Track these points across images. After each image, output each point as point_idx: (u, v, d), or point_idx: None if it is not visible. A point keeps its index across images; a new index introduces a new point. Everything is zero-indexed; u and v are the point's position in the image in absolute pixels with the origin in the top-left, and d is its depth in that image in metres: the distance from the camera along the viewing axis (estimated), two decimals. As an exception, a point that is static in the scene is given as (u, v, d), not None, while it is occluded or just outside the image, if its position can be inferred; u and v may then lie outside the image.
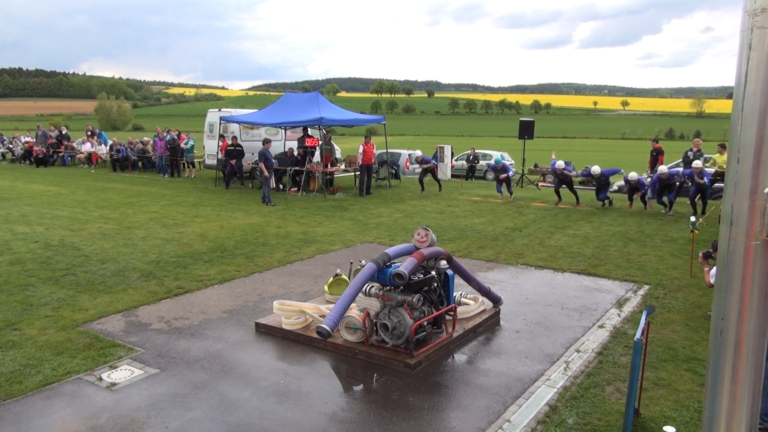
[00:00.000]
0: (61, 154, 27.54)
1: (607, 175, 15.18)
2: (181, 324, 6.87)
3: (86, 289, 8.05)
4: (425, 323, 5.93)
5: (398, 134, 67.58)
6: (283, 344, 6.30)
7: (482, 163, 26.60)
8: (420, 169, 19.29)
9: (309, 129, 19.25)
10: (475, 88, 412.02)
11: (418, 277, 5.96)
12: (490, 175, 26.13)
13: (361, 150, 17.84)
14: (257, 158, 16.97)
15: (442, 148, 23.78)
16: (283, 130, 20.30)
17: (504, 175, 16.53)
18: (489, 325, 6.88)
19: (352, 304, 5.96)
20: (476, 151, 26.61)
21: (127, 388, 5.28)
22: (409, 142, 40.04)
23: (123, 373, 5.54)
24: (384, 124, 20.38)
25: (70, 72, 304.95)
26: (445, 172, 23.06)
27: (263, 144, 16.96)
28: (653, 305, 7.48)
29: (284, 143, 19.92)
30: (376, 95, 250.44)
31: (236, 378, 5.50)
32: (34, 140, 28.70)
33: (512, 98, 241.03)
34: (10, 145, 30.69)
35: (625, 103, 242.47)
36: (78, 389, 5.25)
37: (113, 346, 6.14)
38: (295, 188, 17.97)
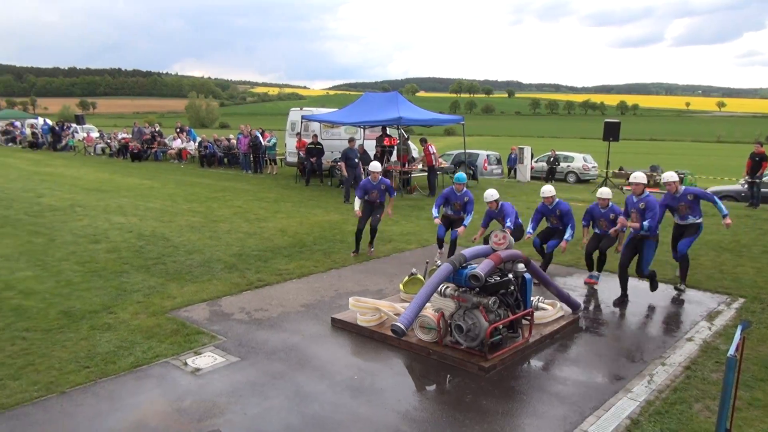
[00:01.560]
0: (154, 150, 29.12)
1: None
2: (260, 315, 7.10)
3: (174, 278, 8.47)
4: (501, 327, 5.84)
5: (477, 135, 66.90)
6: (358, 340, 6.38)
7: (563, 165, 25.87)
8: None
9: (387, 128, 19.39)
10: (557, 88, 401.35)
11: (495, 280, 5.87)
12: (572, 178, 25.39)
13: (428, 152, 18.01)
14: (339, 157, 17.15)
15: (522, 149, 23.30)
16: (362, 130, 20.54)
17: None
18: (567, 332, 6.69)
19: (427, 304, 5.95)
20: (557, 152, 25.91)
21: (209, 374, 5.52)
22: (487, 142, 39.54)
23: (206, 360, 5.80)
24: (462, 125, 20.22)
25: (164, 72, 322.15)
26: (524, 173, 22.59)
27: (348, 143, 17.14)
28: (749, 320, 7.00)
29: (363, 142, 20.14)
30: (455, 95, 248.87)
31: (312, 371, 5.62)
32: (130, 136, 30.51)
33: (597, 99, 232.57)
34: (108, 140, 32.76)
35: (721, 104, 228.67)
36: (165, 372, 5.54)
37: (198, 333, 6.44)
38: (352, 184, 18.16)
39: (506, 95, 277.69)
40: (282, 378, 5.45)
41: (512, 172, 24.60)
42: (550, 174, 24.48)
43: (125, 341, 6.18)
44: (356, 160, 16.77)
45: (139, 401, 4.97)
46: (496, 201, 8.84)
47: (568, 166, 25.92)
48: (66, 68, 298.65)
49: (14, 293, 7.63)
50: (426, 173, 18.18)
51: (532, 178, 23.29)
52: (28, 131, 38.80)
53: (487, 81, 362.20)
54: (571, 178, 25.45)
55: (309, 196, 17.01)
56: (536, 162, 26.35)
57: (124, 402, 4.96)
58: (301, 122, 20.67)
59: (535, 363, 5.90)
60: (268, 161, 23.59)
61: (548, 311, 6.80)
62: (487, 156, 24.63)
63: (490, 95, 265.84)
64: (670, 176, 8.16)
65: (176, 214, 13.53)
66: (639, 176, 7.75)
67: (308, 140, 20.01)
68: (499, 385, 5.37)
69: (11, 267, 8.92)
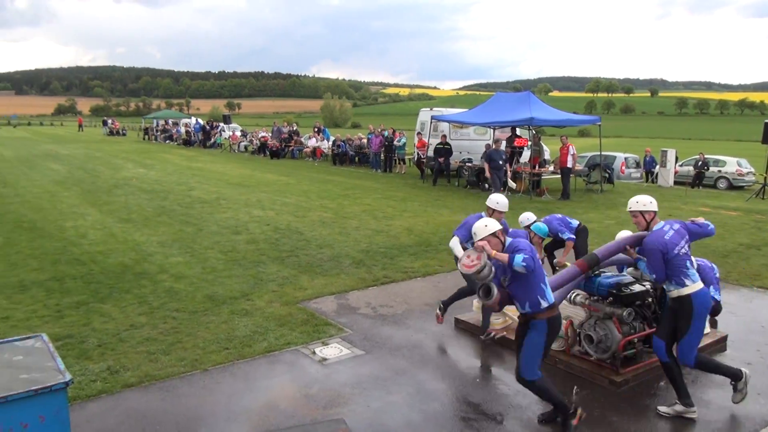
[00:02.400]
0: (291, 148, 30.75)
1: None
2: (385, 311, 7.25)
3: (306, 270, 8.89)
4: (636, 340, 5.48)
5: (614, 136, 63.31)
6: (481, 343, 6.30)
7: (713, 169, 23.71)
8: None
9: (518, 129, 18.95)
10: (708, 86, 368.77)
11: (631, 290, 5.52)
12: (723, 184, 23.22)
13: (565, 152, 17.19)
14: (482, 159, 16.76)
15: (665, 152, 21.68)
16: (491, 130, 20.25)
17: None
18: (711, 352, 6.13)
19: None
20: (706, 156, 23.80)
21: (335, 364, 5.73)
22: (625, 144, 37.24)
23: (333, 350, 6.02)
24: (599, 125, 19.25)
25: (302, 74, 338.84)
26: (666, 178, 21.03)
27: (494, 144, 16.83)
28: None
29: (493, 143, 19.86)
30: (591, 95, 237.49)
31: (434, 369, 5.64)
32: (270, 135, 32.46)
33: (756, 97, 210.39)
34: (250, 139, 35.09)
35: None
36: (295, 359, 5.83)
37: (326, 325, 6.70)
38: (502, 188, 17.82)
39: (648, 94, 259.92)
40: (405, 374, 5.53)
41: (650, 176, 23.00)
42: (698, 179, 22.55)
43: (260, 327, 6.58)
44: (500, 162, 16.22)
45: (270, 384, 5.28)
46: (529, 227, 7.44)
47: (719, 171, 23.69)
48: (216, 72, 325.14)
49: (167, 276, 8.42)
50: (559, 176, 17.42)
51: (676, 183, 21.59)
52: (182, 130, 42.64)
53: (628, 79, 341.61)
54: (722, 184, 23.25)
55: (436, 196, 17.08)
56: (681, 166, 24.38)
57: (258, 383, 5.29)
58: (431, 122, 20.80)
59: (674, 382, 5.47)
60: (398, 161, 24.00)
61: None
62: (625, 159, 23.22)
63: (631, 94, 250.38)
64: None
65: (309, 210, 14.19)
66: None
67: (436, 140, 20.09)
68: (631, 401, 5.05)
69: (166, 252, 9.85)
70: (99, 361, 5.62)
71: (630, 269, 6.05)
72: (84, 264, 9.07)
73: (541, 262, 4.85)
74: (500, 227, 4.55)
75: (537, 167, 18.11)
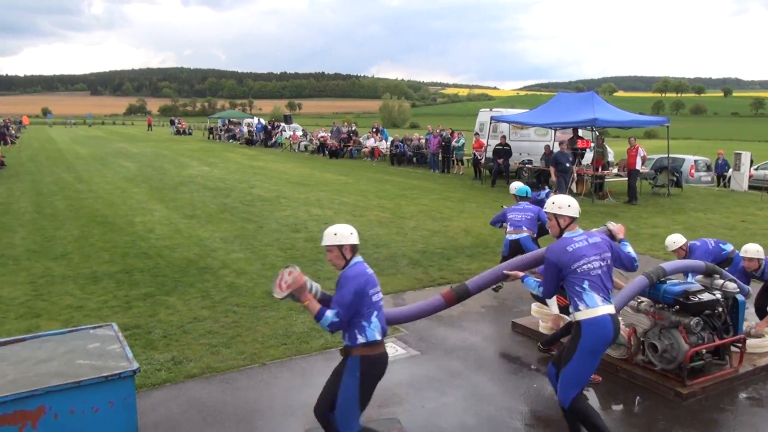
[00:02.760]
0: (349, 148, 31.06)
1: None
2: (441, 313, 7.17)
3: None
4: (703, 351, 5.25)
5: (683, 138, 60.73)
6: (539, 347, 6.17)
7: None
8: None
9: (580, 130, 18.47)
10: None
11: (699, 299, 5.29)
12: None
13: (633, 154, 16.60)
14: (542, 160, 16.31)
15: (739, 154, 20.63)
16: (552, 131, 19.83)
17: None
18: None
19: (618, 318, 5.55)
20: (784, 159, 22.51)
21: (391, 363, 5.68)
22: (695, 147, 35.62)
23: (389, 350, 6.00)
24: (667, 126, 18.53)
25: (362, 75, 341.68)
26: (740, 182, 20.01)
27: (559, 146, 16.45)
28: None
29: (553, 144, 19.45)
30: (659, 95, 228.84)
31: (489, 373, 5.58)
32: (329, 135, 32.88)
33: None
34: (310, 139, 35.66)
35: None
36: (351, 357, 5.87)
37: (382, 324, 6.72)
38: (558, 190, 17.43)
39: (721, 94, 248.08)
40: (459, 376, 5.49)
41: (722, 179, 21.94)
42: (774, 184, 21.34)
43: (317, 324, 6.66)
44: (567, 165, 15.72)
45: (326, 381, 5.34)
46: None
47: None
48: (278, 73, 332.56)
49: (229, 271, 8.67)
50: (625, 178, 16.81)
51: (751, 187, 20.51)
52: (245, 129, 43.77)
53: (699, 78, 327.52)
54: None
55: (494, 197, 16.85)
56: (756, 170, 23.14)
57: (314, 379, 5.35)
58: (490, 123, 20.56)
59: (745, 397, 5.21)
60: (456, 161, 23.86)
61: (766, 340, 5.96)
62: (695, 161, 22.23)
63: (702, 94, 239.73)
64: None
65: (366, 209, 14.29)
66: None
67: (495, 141, 19.85)
68: (698, 415, 4.84)
69: (228, 249, 10.14)
70: (164, 351, 5.84)
71: (699, 276, 5.81)
72: (151, 258, 9.45)
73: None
74: (348, 242, 3.91)
75: (600, 169, 17.60)
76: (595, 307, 3.91)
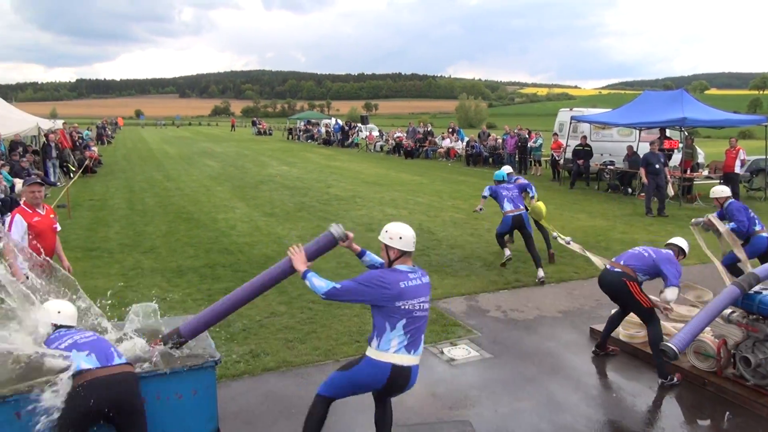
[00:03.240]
0: (425, 148, 31.03)
1: None
2: (516, 316, 7.08)
3: (436, 270, 8.93)
4: (803, 367, 4.87)
5: (783, 138, 56.61)
6: (619, 356, 5.95)
7: None
8: None
9: (668, 130, 17.59)
10: None
11: (799, 310, 4.92)
12: None
13: (731, 156, 15.55)
14: (624, 161, 15.42)
15: None
16: (636, 131, 19.00)
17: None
18: None
19: (707, 329, 5.26)
20: None
21: (463, 365, 5.70)
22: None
23: (461, 352, 6.00)
24: (765, 126, 17.32)
25: (438, 75, 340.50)
26: None
27: (649, 146, 15.45)
28: None
29: (637, 145, 18.64)
30: (756, 92, 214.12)
31: (566, 379, 5.42)
32: (405, 135, 32.98)
33: None
34: (386, 139, 35.90)
35: None
36: (423, 357, 5.81)
37: (454, 325, 6.69)
38: (644, 193, 16.66)
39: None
40: (534, 382, 5.37)
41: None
42: None
43: (390, 323, 6.71)
44: (657, 166, 14.59)
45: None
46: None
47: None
48: (356, 74, 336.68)
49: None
50: (715, 181, 15.77)
51: None
52: (323, 130, 44.66)
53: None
54: None
55: (573, 199, 16.37)
56: None
57: (387, 378, 5.40)
58: (570, 123, 19.97)
59: None
60: (533, 162, 23.34)
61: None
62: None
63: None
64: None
65: (441, 210, 14.23)
66: None
67: (575, 141, 19.26)
68: (795, 435, 4.51)
69: (304, 246, 10.37)
70: (243, 344, 6.06)
71: None
72: (232, 253, 9.82)
73: None
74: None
75: (689, 171, 16.70)
76: (385, 352, 3.69)
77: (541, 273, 8.41)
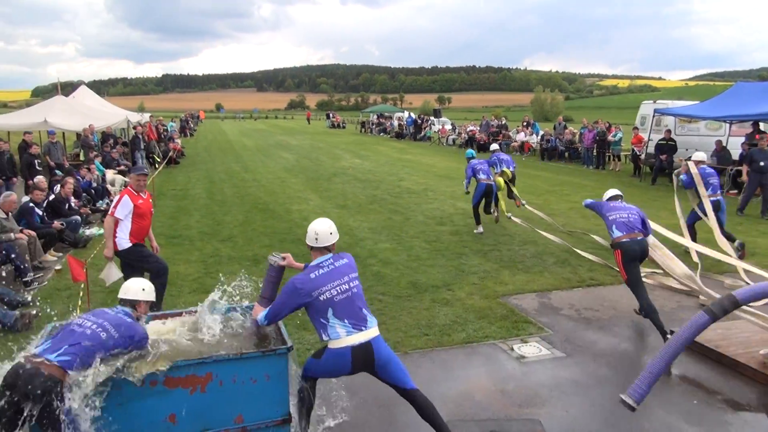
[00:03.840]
0: (498, 142, 30.51)
1: None
2: (590, 315, 6.87)
3: (507, 265, 8.80)
4: None
5: None
6: (700, 360, 5.65)
7: None
8: None
9: (761, 124, 16.47)
10: None
11: None
12: None
13: None
14: (744, 159, 13.87)
15: None
16: (727, 125, 17.91)
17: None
18: None
19: None
20: None
21: (534, 363, 5.59)
22: None
23: (532, 349, 5.89)
24: None
25: (514, 67, 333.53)
26: None
27: (759, 142, 13.81)
28: None
29: (727, 140, 17.58)
30: None
31: (642, 383, 5.21)
32: (478, 129, 32.57)
33: None
34: (459, 132, 35.59)
35: None
36: (492, 353, 5.82)
37: (525, 322, 6.57)
38: (735, 190, 15.72)
39: None
40: (608, 383, 5.20)
41: None
42: None
43: (459, 317, 6.69)
44: (762, 164, 13.15)
45: (467, 374, 5.34)
46: None
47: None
48: (429, 67, 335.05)
49: (376, 261, 8.96)
50: None
51: None
52: (395, 123, 44.81)
53: None
54: None
55: (654, 196, 15.67)
56: None
57: (455, 372, 5.38)
58: (653, 116, 19.09)
59: None
60: (612, 157, 22.49)
61: None
62: None
63: None
64: None
65: (513, 205, 13.96)
66: None
67: (658, 135, 18.40)
68: None
69: (375, 239, 10.48)
70: (314, 332, 6.15)
71: None
72: (305, 244, 10.03)
73: None
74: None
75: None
76: (338, 339, 3.85)
77: (495, 213, 11.52)
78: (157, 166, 19.96)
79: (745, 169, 13.73)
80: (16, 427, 3.21)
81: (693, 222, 9.75)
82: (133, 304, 4.00)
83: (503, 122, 33.63)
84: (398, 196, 15.14)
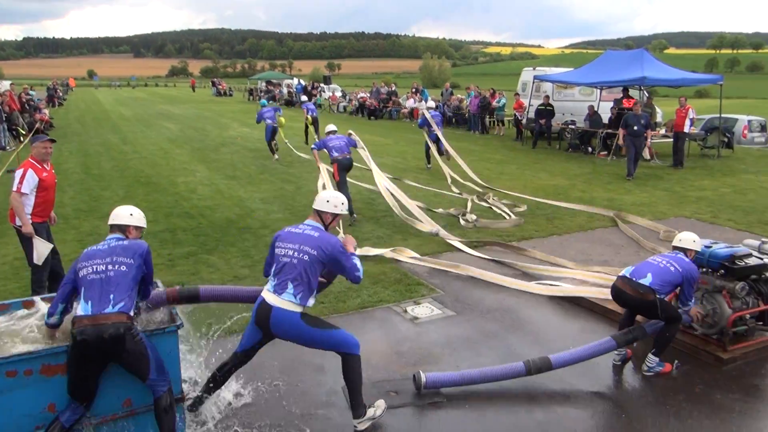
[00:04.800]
0: (389, 109, 30.82)
1: None
2: (478, 274, 7.19)
3: (400, 230, 8.99)
4: (747, 316, 5.12)
5: (738, 97, 58.03)
6: (576, 310, 6.12)
7: None
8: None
9: (629, 90, 17.83)
10: None
11: (745, 263, 5.14)
12: None
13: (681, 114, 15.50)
14: (620, 124, 14.50)
15: (797, 114, 19.64)
16: (597, 91, 19.20)
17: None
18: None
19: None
20: None
21: (427, 323, 5.80)
22: (750, 106, 34.14)
23: (424, 310, 6.10)
24: (720, 85, 17.71)
25: (402, 34, 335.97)
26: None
27: (633, 107, 14.81)
28: None
29: (598, 104, 18.86)
30: (713, 51, 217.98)
31: (525, 335, 5.58)
32: (368, 96, 32.64)
33: None
34: (349, 100, 35.49)
35: None
36: (387, 316, 5.96)
37: (418, 285, 6.78)
38: (605, 152, 16.98)
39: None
40: (495, 337, 5.51)
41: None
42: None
43: (353, 285, 6.75)
44: (636, 128, 13.70)
45: (363, 339, 5.39)
46: None
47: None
48: (318, 33, 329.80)
49: (269, 232, 8.82)
50: (671, 140, 15.80)
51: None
52: (285, 90, 43.82)
53: (758, 33, 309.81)
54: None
55: (535, 158, 16.57)
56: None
57: (351, 338, 5.46)
58: (533, 83, 20.04)
59: (789, 364, 5.09)
60: (496, 122, 23.43)
61: None
62: (748, 122, 21.25)
63: (760, 50, 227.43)
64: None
65: (405, 171, 14.24)
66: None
67: (538, 101, 19.37)
68: (738, 380, 4.76)
69: (267, 209, 10.30)
70: (205, 308, 6.00)
71: (747, 240, 5.64)
72: (193, 217, 9.68)
73: None
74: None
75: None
76: (265, 286, 4.06)
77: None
78: (22, 139, 18.24)
79: (621, 132, 14.38)
80: None
81: (428, 148, 14.34)
82: (122, 229, 3.91)
83: (393, 89, 33.91)
84: (290, 165, 14.93)
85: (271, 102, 34.19)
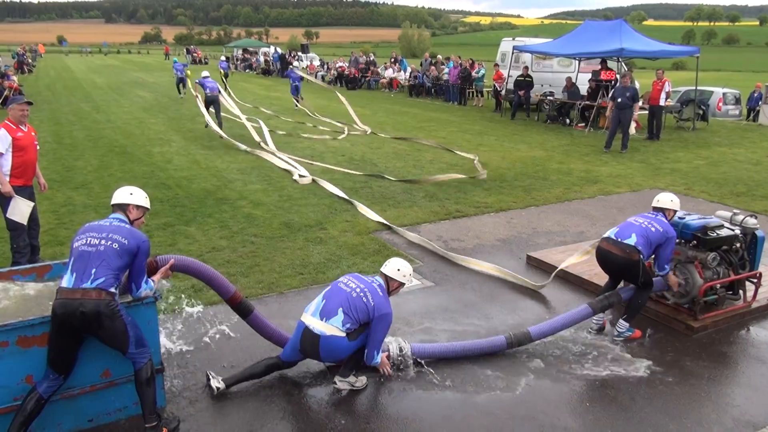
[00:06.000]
0: (367, 79, 30.51)
1: None
2: (456, 245, 7.26)
3: (379, 201, 8.99)
4: (717, 286, 5.26)
5: (713, 69, 58.52)
6: (554, 283, 6.22)
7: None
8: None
9: (608, 61, 17.86)
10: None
11: (717, 234, 5.25)
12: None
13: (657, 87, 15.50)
14: (610, 96, 14.11)
15: (770, 87, 19.90)
16: (576, 62, 19.20)
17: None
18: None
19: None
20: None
21: (405, 294, 5.82)
22: (726, 78, 34.51)
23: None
24: (696, 57, 17.84)
25: (381, 2, 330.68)
26: (768, 116, 19.40)
27: (621, 79, 14.32)
28: None
29: (576, 76, 18.89)
30: (690, 23, 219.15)
31: (502, 304, 5.67)
32: (347, 65, 32.24)
33: None
34: (327, 69, 35.02)
35: None
36: (366, 287, 5.98)
37: (397, 255, 6.79)
38: (583, 124, 17.08)
39: (757, 23, 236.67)
40: (473, 307, 5.58)
41: (752, 114, 21.29)
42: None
43: (333, 255, 6.78)
44: (620, 100, 13.42)
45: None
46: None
47: None
48: (295, 0, 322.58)
49: (246, 203, 8.75)
50: (647, 112, 15.85)
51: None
52: (262, 59, 43.06)
53: (734, 6, 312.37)
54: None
55: (513, 130, 16.60)
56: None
57: (330, 308, 5.48)
58: (512, 53, 19.96)
59: (757, 332, 5.25)
60: (476, 93, 23.36)
61: None
62: (723, 94, 21.51)
63: (736, 23, 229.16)
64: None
65: (384, 142, 14.17)
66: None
67: (517, 72, 19.33)
68: (707, 348, 4.91)
69: (245, 180, 10.20)
70: (184, 279, 5.98)
71: (719, 212, 5.76)
72: (170, 188, 9.55)
73: None
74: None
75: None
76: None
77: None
78: (-10, 107, 17.69)
79: (610, 105, 14.15)
80: None
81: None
82: (123, 208, 3.95)
83: (372, 58, 33.53)
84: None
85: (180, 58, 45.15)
